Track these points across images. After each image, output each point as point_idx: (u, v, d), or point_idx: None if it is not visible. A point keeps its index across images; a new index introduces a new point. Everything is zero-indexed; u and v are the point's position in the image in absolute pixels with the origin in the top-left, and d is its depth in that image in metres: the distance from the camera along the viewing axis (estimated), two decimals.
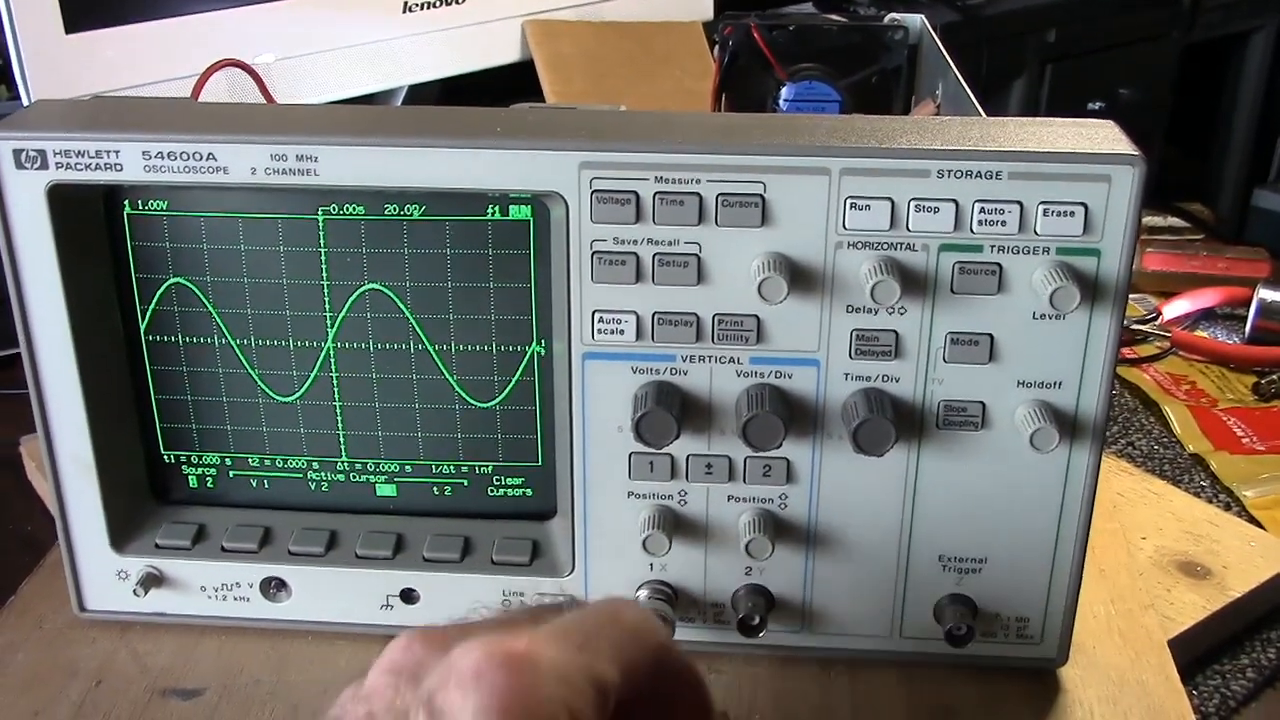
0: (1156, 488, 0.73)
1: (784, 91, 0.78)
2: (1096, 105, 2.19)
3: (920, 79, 0.79)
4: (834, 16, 0.82)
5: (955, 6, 1.91)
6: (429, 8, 1.09)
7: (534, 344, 0.53)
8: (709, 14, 1.28)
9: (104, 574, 0.56)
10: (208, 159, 0.49)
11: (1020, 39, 2.04)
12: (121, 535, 0.55)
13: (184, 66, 0.95)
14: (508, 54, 1.15)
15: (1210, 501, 0.74)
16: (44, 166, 0.49)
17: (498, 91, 1.21)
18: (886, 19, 0.80)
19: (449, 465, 0.56)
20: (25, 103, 0.89)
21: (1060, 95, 2.11)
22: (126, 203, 0.52)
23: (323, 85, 1.05)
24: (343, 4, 1.04)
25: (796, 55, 0.79)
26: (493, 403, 0.54)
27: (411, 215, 0.51)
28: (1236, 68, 2.50)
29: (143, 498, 0.57)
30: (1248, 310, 0.92)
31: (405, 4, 1.08)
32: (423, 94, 1.18)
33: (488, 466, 0.56)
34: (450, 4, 1.10)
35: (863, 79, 0.79)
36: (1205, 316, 0.97)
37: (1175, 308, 0.96)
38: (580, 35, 1.18)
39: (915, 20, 0.80)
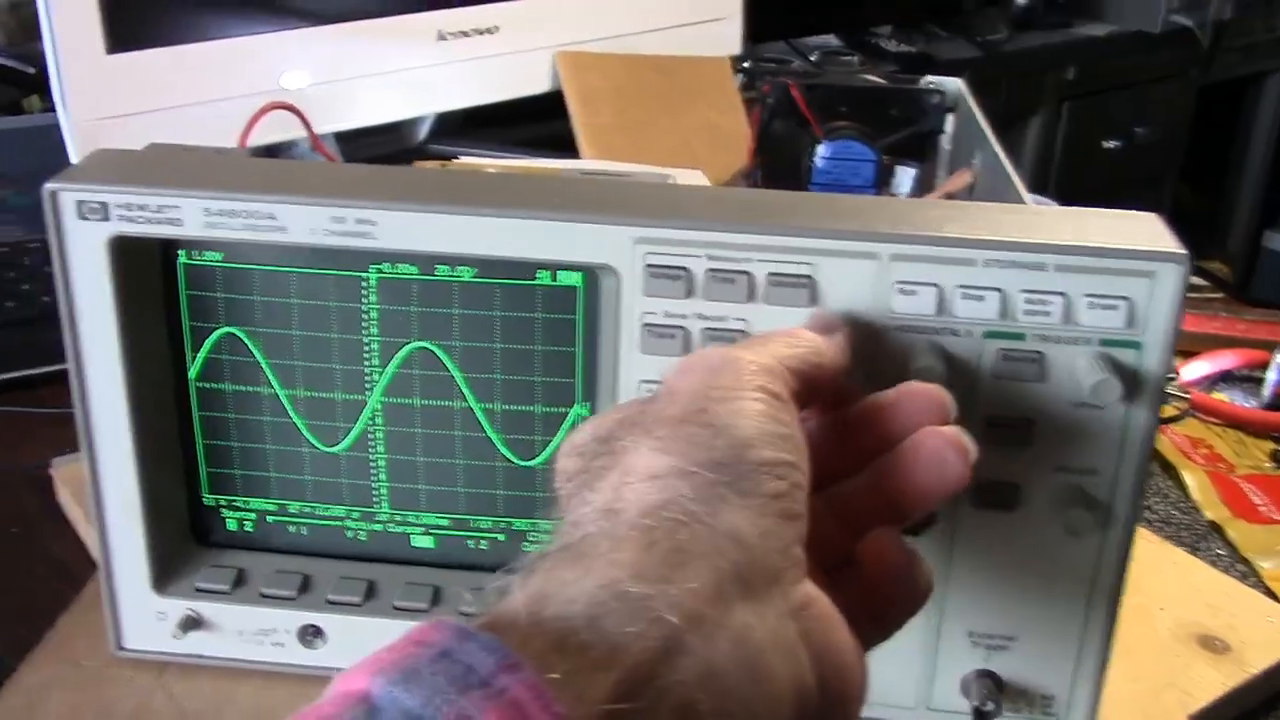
0: (1176, 557, 0.73)
1: (820, 149, 0.79)
2: (1113, 143, 2.21)
3: (958, 142, 0.80)
4: (872, 77, 0.83)
5: (975, 43, 1.93)
6: (463, 36, 1.10)
7: (577, 406, 0.54)
8: (737, 49, 1.29)
9: (144, 614, 0.56)
10: (268, 218, 0.50)
11: (1039, 76, 2.06)
12: (163, 577, 0.56)
13: (222, 89, 0.96)
14: (539, 84, 1.16)
15: (1227, 571, 0.74)
16: (106, 219, 0.50)
17: (523, 119, 1.22)
18: (923, 82, 0.81)
19: (488, 520, 0.57)
20: (63, 118, 0.90)
21: (1077, 132, 2.14)
22: (182, 253, 0.53)
23: (354, 111, 1.06)
24: (379, 31, 1.05)
25: (834, 114, 0.80)
26: (534, 461, 0.55)
27: (462, 277, 0.52)
28: (1251, 109, 2.52)
29: (184, 540, 0.58)
30: (1266, 373, 0.93)
31: (440, 32, 1.09)
32: (450, 120, 1.20)
33: (526, 523, 0.56)
34: (484, 34, 1.11)
35: (900, 140, 0.80)
36: (1224, 378, 0.98)
37: (1194, 369, 0.96)
38: (610, 68, 1.19)
39: (953, 84, 0.81)
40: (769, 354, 0.41)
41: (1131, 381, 0.48)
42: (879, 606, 0.41)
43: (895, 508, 0.42)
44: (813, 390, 0.42)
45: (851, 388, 0.46)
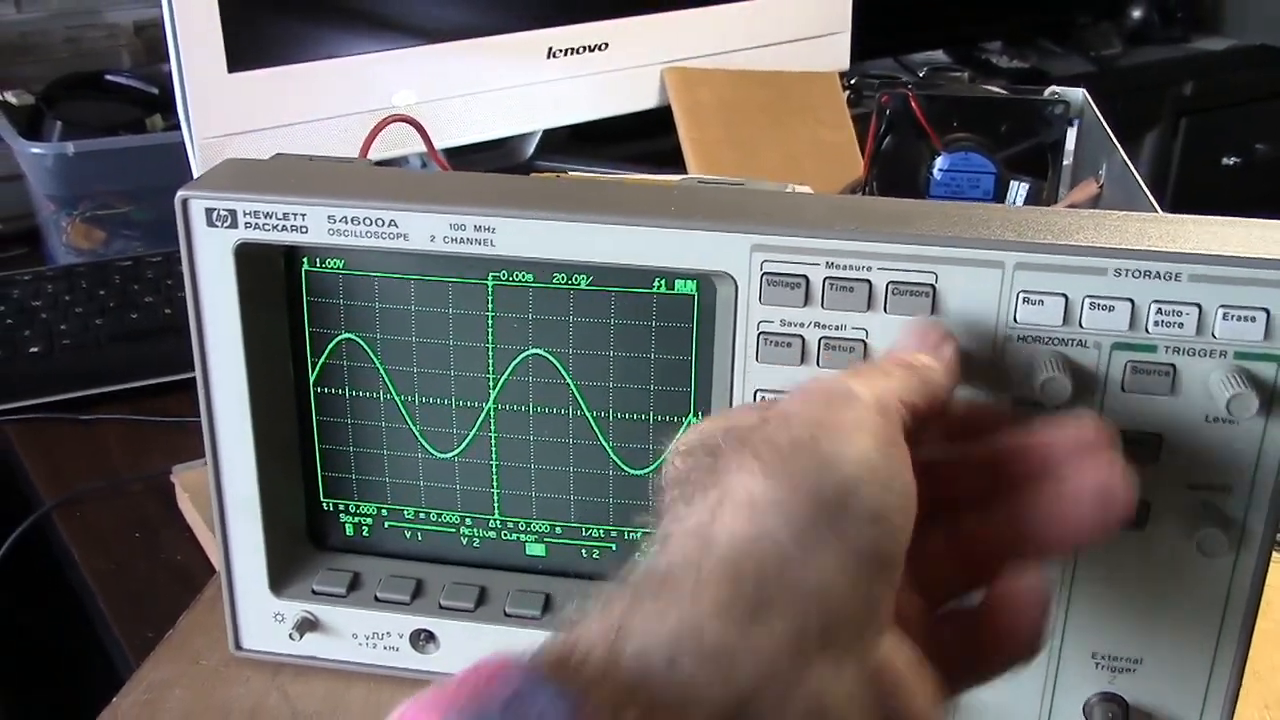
0: None
1: (939, 161, 0.78)
2: (1232, 160, 2.15)
3: (1079, 155, 0.78)
4: (992, 88, 0.81)
5: (1089, 58, 1.89)
6: (573, 53, 1.11)
7: (691, 415, 0.54)
8: (845, 64, 1.28)
9: (262, 615, 0.57)
10: (389, 225, 0.50)
11: (1156, 91, 2.01)
12: (280, 579, 0.57)
13: (337, 107, 0.98)
14: (646, 100, 1.16)
15: None
16: (233, 226, 0.51)
17: (628, 134, 1.23)
18: (1047, 92, 0.79)
19: (599, 529, 0.56)
20: (186, 135, 0.93)
21: (1195, 149, 2.08)
22: (305, 260, 0.54)
23: (464, 127, 1.07)
24: (490, 49, 1.06)
25: (953, 125, 0.79)
26: (646, 470, 0.55)
27: (578, 285, 0.52)
28: None
29: (301, 543, 0.58)
30: None
31: (550, 49, 1.09)
32: (555, 136, 1.21)
33: (637, 533, 0.56)
34: (594, 50, 1.12)
35: (1020, 151, 0.79)
36: None
37: None
38: (718, 83, 1.19)
39: (1077, 94, 0.79)
40: (887, 389, 0.39)
41: (1269, 396, 0.46)
42: (988, 653, 0.39)
43: (1037, 546, 0.39)
44: (927, 419, 0.40)
45: (982, 412, 0.45)
